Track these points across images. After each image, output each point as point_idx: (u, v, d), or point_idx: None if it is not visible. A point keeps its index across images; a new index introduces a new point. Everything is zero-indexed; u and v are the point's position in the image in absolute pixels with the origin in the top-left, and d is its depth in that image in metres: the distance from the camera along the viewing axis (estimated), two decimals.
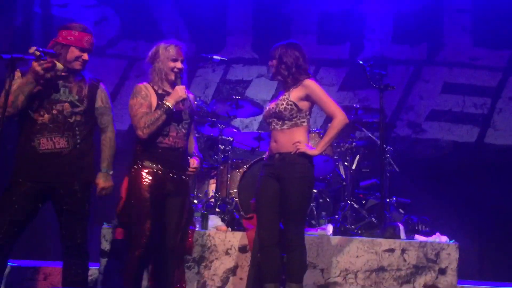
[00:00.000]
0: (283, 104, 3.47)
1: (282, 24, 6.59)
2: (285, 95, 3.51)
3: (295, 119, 3.48)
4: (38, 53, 3.04)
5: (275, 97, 3.78)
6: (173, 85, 3.49)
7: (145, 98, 3.41)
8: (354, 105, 5.57)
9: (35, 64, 3.06)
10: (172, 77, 3.48)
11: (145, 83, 3.50)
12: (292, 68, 3.52)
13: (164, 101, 3.38)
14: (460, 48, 6.43)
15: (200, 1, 6.62)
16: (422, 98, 6.46)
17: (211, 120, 5.24)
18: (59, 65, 3.18)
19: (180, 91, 3.42)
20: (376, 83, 4.60)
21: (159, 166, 3.39)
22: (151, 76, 3.52)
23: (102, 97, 3.39)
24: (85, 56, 3.29)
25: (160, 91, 3.47)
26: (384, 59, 6.38)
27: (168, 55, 3.46)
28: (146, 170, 3.37)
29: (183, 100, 3.45)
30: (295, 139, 3.46)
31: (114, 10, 6.62)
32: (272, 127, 3.55)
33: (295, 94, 3.50)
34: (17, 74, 3.13)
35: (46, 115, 3.20)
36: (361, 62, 4.67)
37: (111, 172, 3.40)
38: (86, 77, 3.37)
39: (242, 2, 6.71)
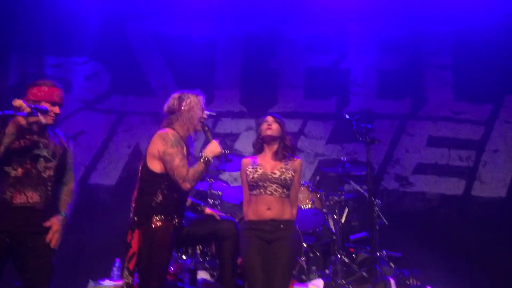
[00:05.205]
0: (288, 174, 3.64)
1: (270, 78, 6.72)
2: (287, 165, 3.67)
3: (289, 190, 3.67)
4: (29, 109, 3.03)
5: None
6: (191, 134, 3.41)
7: (183, 149, 3.28)
8: (342, 158, 5.64)
9: (20, 117, 3.01)
10: (199, 127, 3.43)
11: (173, 131, 3.32)
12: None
13: (203, 155, 3.29)
14: (443, 102, 6.58)
15: (188, 56, 6.69)
16: (408, 151, 6.54)
17: None
18: (42, 119, 3.15)
19: (220, 146, 3.37)
20: (362, 137, 4.62)
21: (176, 218, 3.29)
22: (178, 123, 3.37)
23: (71, 154, 3.41)
24: (56, 109, 3.28)
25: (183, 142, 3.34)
26: (370, 113, 6.49)
27: (200, 105, 3.44)
28: (168, 224, 3.22)
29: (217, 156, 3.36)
30: (287, 208, 3.64)
31: (104, 66, 6.69)
32: (269, 192, 3.60)
33: (293, 167, 3.69)
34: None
35: (19, 169, 3.17)
36: (347, 117, 4.69)
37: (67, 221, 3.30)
38: (58, 133, 3.39)
39: (229, 57, 6.81)
